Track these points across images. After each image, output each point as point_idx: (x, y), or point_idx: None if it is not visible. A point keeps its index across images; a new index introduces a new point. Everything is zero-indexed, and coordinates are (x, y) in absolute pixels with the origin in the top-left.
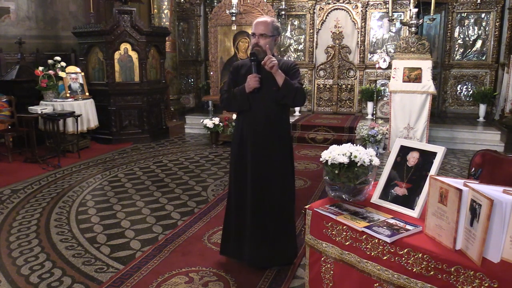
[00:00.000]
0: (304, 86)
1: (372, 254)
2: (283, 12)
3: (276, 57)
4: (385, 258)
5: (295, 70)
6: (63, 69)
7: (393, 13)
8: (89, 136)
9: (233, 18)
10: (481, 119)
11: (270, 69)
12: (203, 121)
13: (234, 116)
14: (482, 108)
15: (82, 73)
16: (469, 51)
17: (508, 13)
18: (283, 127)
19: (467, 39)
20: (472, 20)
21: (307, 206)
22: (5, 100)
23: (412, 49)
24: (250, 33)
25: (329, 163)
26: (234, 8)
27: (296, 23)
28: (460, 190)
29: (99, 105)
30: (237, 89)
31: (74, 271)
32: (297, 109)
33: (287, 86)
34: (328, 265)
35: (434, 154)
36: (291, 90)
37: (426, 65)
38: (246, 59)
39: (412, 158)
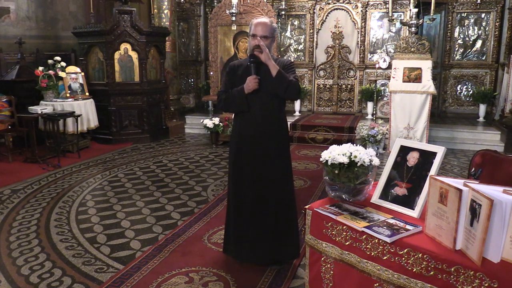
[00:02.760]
0: (302, 85)
1: (372, 254)
2: (283, 12)
3: (273, 57)
4: (385, 258)
5: (290, 67)
6: (63, 69)
7: (393, 13)
8: (89, 136)
9: (233, 18)
10: (481, 119)
11: (262, 58)
12: (203, 121)
13: None
14: (482, 108)
15: (82, 73)
16: (469, 51)
17: (508, 13)
18: (281, 127)
19: (467, 39)
20: (472, 20)
21: (307, 206)
22: (5, 100)
23: (412, 49)
24: (250, 34)
25: (329, 163)
26: (234, 8)
27: (296, 23)
28: (460, 190)
29: (99, 105)
30: (235, 90)
31: (74, 271)
32: (297, 109)
33: (280, 77)
34: (328, 265)
35: (434, 154)
36: (283, 81)
37: (426, 65)
38: (242, 59)
39: (412, 158)
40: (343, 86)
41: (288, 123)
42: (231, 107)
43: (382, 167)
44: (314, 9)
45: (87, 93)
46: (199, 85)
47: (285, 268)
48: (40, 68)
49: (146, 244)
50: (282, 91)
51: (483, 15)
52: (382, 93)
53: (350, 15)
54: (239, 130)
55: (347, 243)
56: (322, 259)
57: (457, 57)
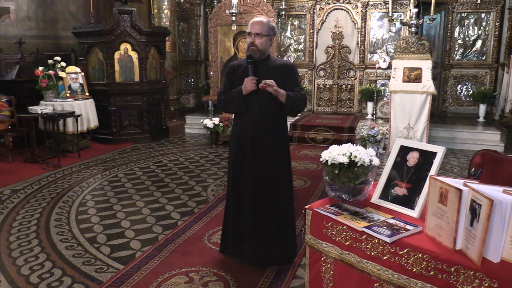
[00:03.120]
0: (304, 87)
1: (372, 254)
2: (283, 12)
3: (273, 57)
4: (385, 258)
5: (293, 72)
6: (63, 69)
7: (393, 13)
8: (89, 136)
9: (233, 18)
10: (481, 119)
11: (270, 91)
12: (203, 121)
13: None
14: (482, 108)
15: (82, 73)
16: (469, 51)
17: (508, 13)
18: (281, 127)
19: (467, 39)
20: (472, 20)
21: (307, 206)
22: (5, 100)
23: (412, 49)
24: (246, 32)
25: (329, 163)
26: (234, 8)
27: (296, 23)
28: (460, 190)
29: (99, 105)
30: (234, 91)
31: (74, 271)
32: None
33: (290, 102)
34: (328, 265)
35: (434, 154)
36: (294, 104)
37: (426, 65)
38: (241, 59)
39: (412, 158)
40: (343, 86)
41: (288, 123)
42: (230, 108)
43: (382, 167)
44: (314, 9)
45: (87, 93)
46: (199, 85)
47: (285, 268)
48: (40, 68)
49: (146, 244)
50: (295, 112)
51: (483, 15)
52: (382, 93)
53: (350, 15)
54: (239, 130)
55: (347, 243)
56: (322, 259)
57: (457, 57)
